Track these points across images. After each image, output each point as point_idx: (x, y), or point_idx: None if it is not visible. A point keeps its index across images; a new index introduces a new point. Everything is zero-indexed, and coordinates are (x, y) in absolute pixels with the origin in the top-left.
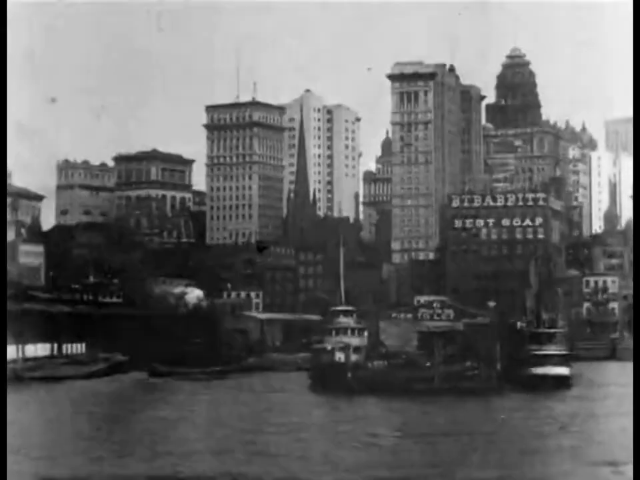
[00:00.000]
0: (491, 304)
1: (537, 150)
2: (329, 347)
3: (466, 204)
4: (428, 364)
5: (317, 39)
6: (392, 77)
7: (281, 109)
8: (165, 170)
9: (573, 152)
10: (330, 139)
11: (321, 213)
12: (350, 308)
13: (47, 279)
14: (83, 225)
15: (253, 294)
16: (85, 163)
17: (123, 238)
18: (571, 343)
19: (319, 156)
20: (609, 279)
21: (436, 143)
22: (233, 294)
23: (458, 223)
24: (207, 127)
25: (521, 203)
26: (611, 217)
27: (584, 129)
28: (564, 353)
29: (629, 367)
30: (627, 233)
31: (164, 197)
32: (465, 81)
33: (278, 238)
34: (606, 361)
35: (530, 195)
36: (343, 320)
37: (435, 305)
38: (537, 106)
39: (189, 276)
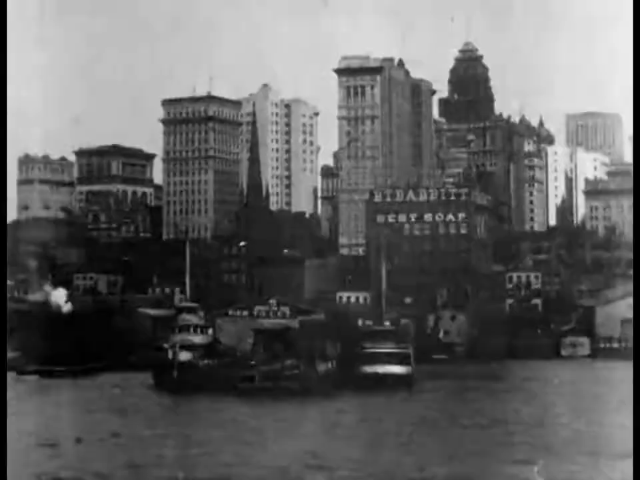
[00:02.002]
0: (407, 300)
1: (490, 144)
2: (166, 345)
3: (388, 199)
4: (253, 362)
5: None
6: (338, 71)
7: (237, 103)
8: (125, 165)
9: (528, 146)
10: (288, 133)
11: (275, 208)
12: (194, 305)
13: None
14: (34, 220)
15: (177, 289)
16: (45, 157)
17: (74, 233)
18: (473, 342)
19: (277, 150)
20: (532, 275)
21: (383, 137)
22: (158, 289)
23: (380, 218)
24: (163, 121)
25: (443, 198)
26: (564, 211)
27: (541, 123)
28: (399, 351)
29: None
30: (555, 231)
31: (125, 191)
32: (421, 75)
33: (232, 232)
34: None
35: (453, 190)
36: (187, 317)
37: (271, 302)
38: (490, 100)
39: (121, 271)
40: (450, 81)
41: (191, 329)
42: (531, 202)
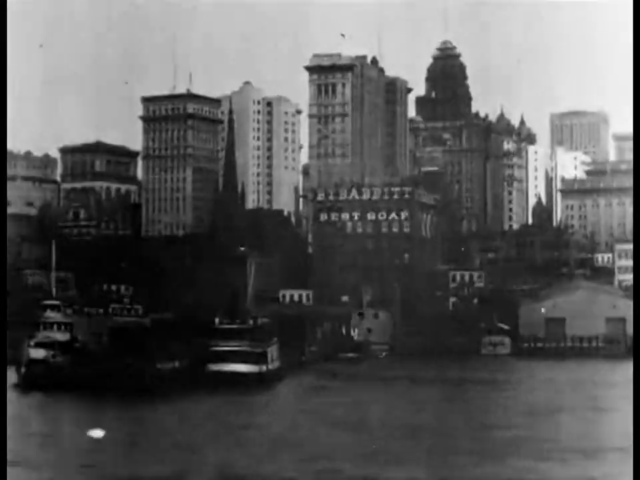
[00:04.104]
0: (344, 298)
1: (466, 143)
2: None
3: (331, 197)
4: (95, 360)
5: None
6: (309, 69)
7: (216, 101)
8: (109, 162)
9: (507, 145)
10: (270, 131)
11: (256, 205)
12: (56, 302)
13: None
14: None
15: (122, 288)
16: (28, 154)
17: (47, 230)
18: (393, 340)
19: (259, 148)
20: (475, 274)
21: (354, 135)
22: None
23: (323, 217)
24: (143, 118)
25: (386, 197)
26: (540, 210)
27: (522, 122)
28: (250, 349)
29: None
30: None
31: (109, 188)
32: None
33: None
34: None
35: (395, 189)
36: (50, 315)
37: (125, 300)
38: (468, 98)
39: (70, 268)
40: (427, 79)
41: (54, 327)
42: (510, 201)
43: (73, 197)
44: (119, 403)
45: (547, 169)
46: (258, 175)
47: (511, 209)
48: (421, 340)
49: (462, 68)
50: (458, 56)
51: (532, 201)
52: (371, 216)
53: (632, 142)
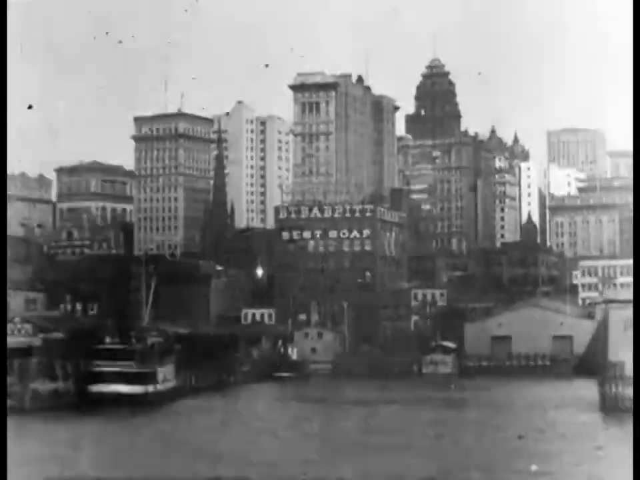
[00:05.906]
0: (302, 317)
1: (455, 161)
2: None
3: (293, 215)
4: None
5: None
6: (294, 87)
7: (208, 121)
8: (105, 181)
9: (499, 163)
10: (263, 150)
11: (250, 224)
12: None
13: None
14: None
15: (89, 305)
16: (23, 174)
17: (34, 250)
18: (337, 360)
19: (252, 167)
20: (437, 292)
21: (338, 154)
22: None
23: (285, 235)
24: (134, 138)
25: (348, 215)
26: (527, 228)
27: (516, 139)
28: (132, 370)
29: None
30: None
31: (104, 208)
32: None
33: (201, 249)
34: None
35: (357, 207)
36: None
37: (15, 319)
38: (457, 116)
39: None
40: (416, 97)
41: None
42: (502, 218)
43: (67, 216)
44: None
45: (539, 187)
46: (252, 193)
47: (503, 227)
48: (365, 359)
49: (451, 86)
50: (447, 74)
51: (524, 218)
52: (332, 234)
53: (627, 158)
